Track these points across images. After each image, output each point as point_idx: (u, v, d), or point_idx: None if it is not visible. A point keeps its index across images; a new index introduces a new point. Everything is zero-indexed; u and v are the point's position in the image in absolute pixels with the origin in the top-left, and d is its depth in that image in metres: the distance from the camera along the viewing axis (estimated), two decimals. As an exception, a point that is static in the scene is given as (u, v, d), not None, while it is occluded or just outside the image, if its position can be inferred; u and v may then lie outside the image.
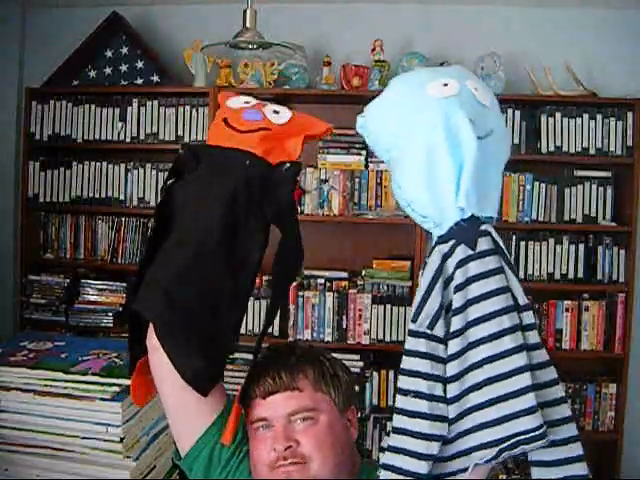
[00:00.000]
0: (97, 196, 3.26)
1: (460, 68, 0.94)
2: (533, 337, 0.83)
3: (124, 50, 3.22)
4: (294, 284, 3.07)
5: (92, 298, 3.23)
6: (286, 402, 1.08)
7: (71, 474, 1.26)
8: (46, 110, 3.25)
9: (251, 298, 3.01)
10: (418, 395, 0.82)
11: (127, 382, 1.25)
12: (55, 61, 3.21)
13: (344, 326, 3.07)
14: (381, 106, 0.92)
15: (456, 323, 0.81)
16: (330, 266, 3.18)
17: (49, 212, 3.33)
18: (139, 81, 3.21)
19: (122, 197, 3.24)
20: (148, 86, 3.20)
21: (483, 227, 0.85)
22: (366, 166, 3.08)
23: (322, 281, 3.12)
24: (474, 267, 0.82)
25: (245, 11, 2.10)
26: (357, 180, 3.08)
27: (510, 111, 3.03)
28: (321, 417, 1.08)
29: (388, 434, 0.86)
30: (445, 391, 0.82)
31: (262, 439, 1.08)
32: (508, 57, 3.03)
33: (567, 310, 3.05)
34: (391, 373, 3.04)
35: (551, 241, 3.06)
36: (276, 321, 3.04)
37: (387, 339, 3.05)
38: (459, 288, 0.81)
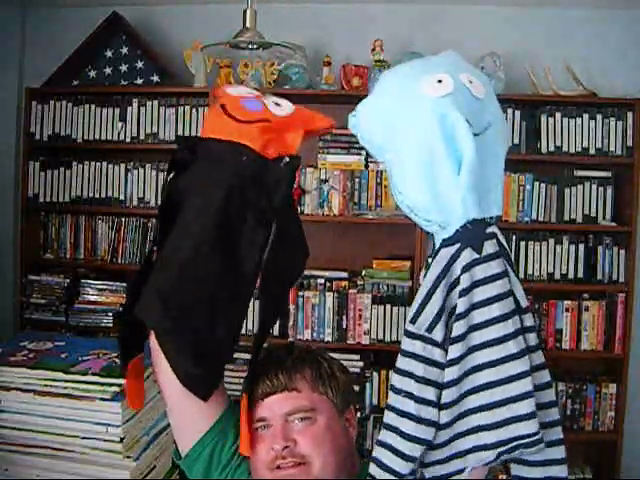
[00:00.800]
0: (97, 196, 3.26)
1: (454, 57, 0.91)
2: (533, 339, 0.83)
3: (124, 50, 3.22)
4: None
5: (92, 298, 3.23)
6: (284, 402, 1.08)
7: (71, 474, 1.27)
8: (46, 110, 3.25)
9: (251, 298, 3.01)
10: (408, 396, 0.81)
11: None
12: (55, 61, 3.20)
13: (344, 326, 3.07)
14: (373, 105, 0.89)
15: (458, 328, 0.80)
16: (330, 266, 3.18)
17: (49, 212, 3.33)
18: (139, 81, 3.21)
19: (122, 197, 3.24)
20: (148, 86, 3.20)
21: (489, 230, 0.83)
22: (366, 166, 3.08)
23: (322, 281, 3.12)
24: (480, 271, 0.81)
25: (245, 11, 2.10)
26: (357, 180, 3.08)
27: (510, 111, 3.03)
28: (319, 417, 1.08)
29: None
30: (438, 396, 0.81)
31: (261, 439, 1.07)
32: (508, 57, 3.03)
33: (567, 310, 3.05)
34: (391, 373, 3.03)
35: (551, 241, 3.06)
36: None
37: (387, 339, 3.05)
38: (464, 293, 0.80)
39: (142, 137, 3.19)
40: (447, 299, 0.81)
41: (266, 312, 1.07)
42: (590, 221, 3.04)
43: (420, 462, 0.83)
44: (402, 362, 0.83)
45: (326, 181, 3.10)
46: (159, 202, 1.08)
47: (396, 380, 0.84)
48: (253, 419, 1.08)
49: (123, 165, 3.25)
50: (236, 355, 2.99)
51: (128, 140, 3.20)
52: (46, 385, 1.28)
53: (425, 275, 0.85)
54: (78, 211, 3.30)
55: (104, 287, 3.22)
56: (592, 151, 3.02)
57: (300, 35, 3.09)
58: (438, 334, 0.81)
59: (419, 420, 0.80)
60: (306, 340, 3.06)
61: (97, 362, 1.33)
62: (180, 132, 3.16)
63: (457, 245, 0.82)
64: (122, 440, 1.25)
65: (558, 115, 3.02)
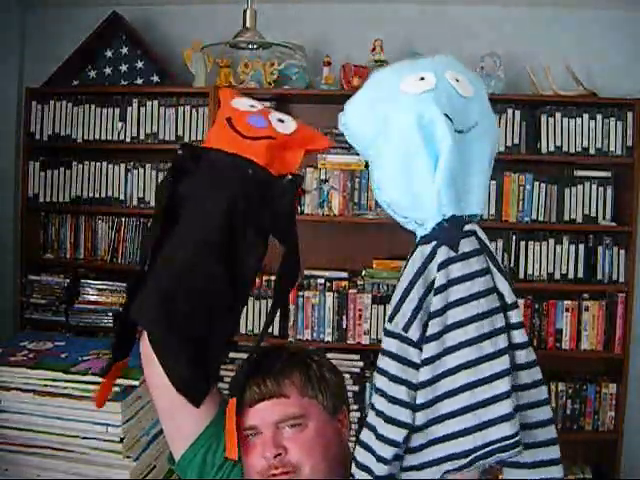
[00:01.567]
0: (97, 196, 3.26)
1: (443, 58, 0.90)
2: (519, 336, 0.81)
3: (124, 50, 3.22)
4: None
5: (92, 298, 3.23)
6: (273, 409, 1.07)
7: (71, 474, 1.27)
8: (46, 110, 3.25)
9: (251, 298, 3.01)
10: (383, 394, 0.81)
11: (127, 382, 1.25)
12: (55, 61, 3.21)
13: (344, 326, 3.07)
14: (358, 103, 0.89)
15: (433, 327, 0.79)
16: (330, 266, 3.18)
17: (49, 212, 3.33)
18: (139, 81, 3.21)
19: (122, 197, 3.24)
20: (148, 86, 3.21)
21: (467, 227, 0.82)
22: (366, 166, 3.07)
23: (322, 281, 3.12)
24: (456, 269, 0.80)
25: (245, 11, 2.11)
26: (357, 180, 3.09)
27: (510, 111, 3.03)
28: (309, 423, 1.07)
29: None
30: (411, 397, 0.79)
31: (252, 447, 1.07)
32: (508, 57, 3.04)
33: (567, 310, 3.05)
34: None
35: (551, 241, 3.06)
36: (276, 320, 3.05)
37: (387, 339, 3.04)
38: (439, 291, 0.79)
39: (142, 137, 3.19)
40: (424, 298, 0.80)
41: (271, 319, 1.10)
42: (590, 221, 3.04)
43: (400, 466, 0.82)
44: (380, 360, 0.83)
45: (326, 181, 3.10)
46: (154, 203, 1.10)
47: (376, 377, 0.83)
48: (242, 426, 1.07)
49: (123, 165, 3.25)
50: (236, 355, 2.99)
51: (128, 140, 3.20)
52: (46, 385, 1.28)
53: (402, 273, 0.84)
54: (78, 211, 3.30)
55: (104, 287, 3.22)
56: (592, 151, 3.02)
57: (300, 35, 3.09)
58: (414, 333, 0.79)
59: (389, 420, 0.79)
60: (306, 340, 3.06)
61: (97, 362, 1.33)
62: (180, 132, 3.16)
63: (433, 243, 0.81)
64: (122, 440, 1.25)
65: (558, 115, 3.02)
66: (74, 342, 1.51)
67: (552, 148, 3.02)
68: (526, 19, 3.15)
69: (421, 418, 0.79)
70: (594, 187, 3.04)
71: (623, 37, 3.11)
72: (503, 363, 0.77)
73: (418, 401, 0.79)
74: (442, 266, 0.80)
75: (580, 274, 3.05)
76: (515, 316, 0.81)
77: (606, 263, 3.04)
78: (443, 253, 0.80)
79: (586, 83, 3.01)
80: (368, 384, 3.05)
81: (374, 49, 3.03)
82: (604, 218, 3.04)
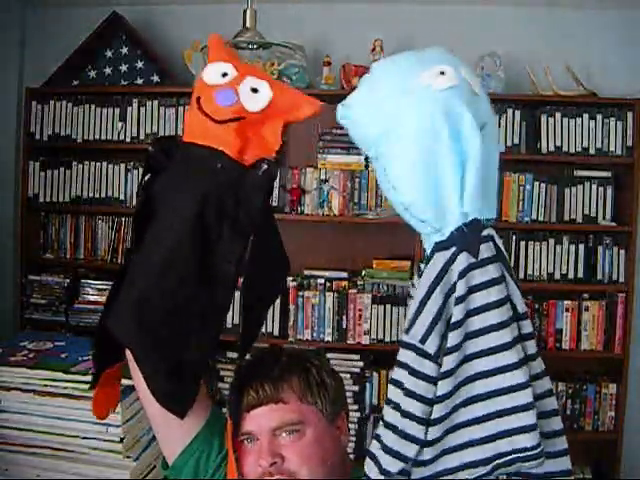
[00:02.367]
0: (97, 196, 3.26)
1: (445, 53, 0.85)
2: (531, 347, 0.78)
3: (124, 50, 3.22)
4: (294, 284, 3.08)
5: (92, 298, 3.23)
6: (270, 415, 1.05)
7: (71, 474, 1.27)
8: (46, 110, 3.25)
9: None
10: (395, 407, 0.77)
11: (127, 382, 1.25)
12: (55, 61, 3.21)
13: (344, 326, 3.07)
14: (368, 96, 0.82)
15: (454, 338, 0.75)
16: (330, 266, 3.18)
17: (49, 212, 3.33)
18: (139, 81, 3.21)
19: (122, 197, 3.24)
20: (148, 86, 3.21)
21: (485, 232, 0.78)
22: (366, 166, 3.07)
23: (322, 281, 3.11)
24: (476, 277, 0.76)
25: (245, 11, 2.11)
26: (357, 180, 3.08)
27: (510, 111, 3.03)
28: (307, 430, 1.05)
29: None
30: (424, 412, 0.75)
31: (248, 453, 1.05)
32: (508, 57, 3.03)
33: (567, 310, 3.04)
34: (391, 373, 3.03)
35: (551, 241, 3.05)
36: (276, 321, 3.06)
37: (387, 339, 3.05)
38: (460, 300, 0.75)
39: (142, 137, 3.19)
40: (443, 308, 0.76)
41: (246, 329, 1.01)
42: (590, 221, 3.04)
43: None
44: (395, 372, 0.80)
45: (326, 181, 3.10)
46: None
47: (389, 389, 0.80)
48: (239, 431, 1.05)
49: (123, 165, 3.25)
50: (235, 355, 2.99)
51: (128, 140, 3.20)
52: (46, 385, 1.28)
53: (418, 282, 0.80)
54: (78, 211, 3.30)
55: (104, 287, 3.22)
56: (592, 151, 3.02)
57: (300, 35, 3.09)
58: (431, 346, 0.75)
59: (403, 435, 0.76)
60: (306, 340, 3.06)
61: (97, 362, 1.33)
62: (180, 132, 3.16)
63: (452, 249, 0.77)
64: (122, 440, 1.26)
65: (558, 115, 3.02)
66: (74, 342, 1.51)
67: (552, 148, 3.02)
68: (526, 19, 3.15)
69: (435, 432, 0.76)
70: (594, 187, 3.04)
71: (623, 37, 3.10)
72: (525, 373, 0.75)
73: (434, 415, 0.75)
74: (463, 274, 0.75)
75: (580, 274, 3.05)
76: (527, 326, 0.79)
77: (606, 263, 3.04)
78: (464, 260, 0.76)
79: (586, 83, 3.01)
80: (368, 384, 3.05)
81: (374, 49, 3.03)
82: (604, 218, 3.04)
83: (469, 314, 0.75)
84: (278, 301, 3.03)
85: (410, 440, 0.76)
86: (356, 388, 3.02)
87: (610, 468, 3.02)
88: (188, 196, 0.92)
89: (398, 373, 0.79)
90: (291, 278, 3.09)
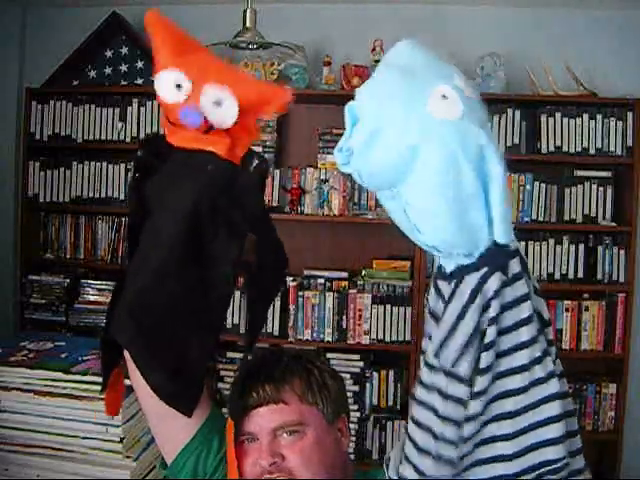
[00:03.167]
0: (97, 196, 3.26)
1: (431, 63, 0.76)
2: (552, 352, 0.77)
3: (124, 50, 3.22)
4: (294, 284, 3.08)
5: (92, 298, 3.23)
6: (271, 416, 1.04)
7: (71, 474, 1.27)
8: (46, 110, 3.25)
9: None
10: (429, 431, 0.75)
11: (127, 382, 1.25)
12: (55, 61, 3.21)
13: (344, 326, 3.07)
14: (371, 139, 0.74)
15: (487, 358, 0.73)
16: (330, 266, 3.19)
17: (49, 212, 3.33)
18: (139, 81, 3.22)
19: (122, 197, 3.24)
20: (148, 86, 3.20)
21: (512, 246, 0.75)
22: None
23: (322, 281, 3.11)
24: (507, 295, 0.73)
25: (245, 11, 2.11)
26: (357, 180, 3.08)
27: (510, 111, 3.03)
28: (308, 431, 1.05)
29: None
30: (457, 435, 0.74)
31: (248, 452, 1.05)
32: (508, 57, 3.03)
33: (567, 310, 3.05)
34: (391, 373, 3.04)
35: (551, 241, 3.06)
36: (276, 320, 3.06)
37: (387, 339, 3.05)
38: (494, 321, 0.72)
39: (142, 137, 3.19)
40: (476, 330, 0.73)
41: (251, 325, 1.02)
42: (590, 221, 3.04)
43: None
44: (421, 392, 0.76)
45: (326, 181, 3.10)
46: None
47: (417, 412, 0.76)
48: (239, 431, 1.05)
49: (123, 165, 3.25)
50: (235, 355, 3.00)
51: (128, 140, 3.21)
52: (46, 385, 1.28)
53: (447, 303, 0.76)
54: (78, 211, 3.30)
55: (104, 287, 3.22)
56: (592, 151, 3.02)
57: (300, 35, 3.09)
58: (463, 369, 0.73)
59: (439, 458, 0.74)
60: (306, 340, 3.06)
61: (97, 362, 1.32)
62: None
63: (484, 270, 0.73)
64: (122, 440, 1.25)
65: (558, 115, 3.02)
66: (74, 342, 1.51)
67: (552, 148, 3.02)
68: (526, 19, 3.15)
69: (465, 449, 0.75)
70: (594, 187, 3.04)
71: (623, 37, 3.11)
72: (553, 385, 0.74)
73: (465, 434, 0.74)
74: (497, 294, 0.73)
75: (580, 274, 3.05)
76: (550, 332, 0.78)
77: (606, 263, 3.04)
78: (496, 280, 0.73)
79: (586, 83, 3.01)
80: (368, 384, 3.05)
81: (374, 49, 3.03)
82: (604, 218, 3.04)
83: (500, 333, 0.74)
84: (278, 301, 3.04)
85: (447, 463, 0.74)
86: (356, 388, 3.02)
87: (610, 468, 3.02)
88: (182, 199, 0.90)
89: (428, 396, 0.75)
90: (291, 278, 3.09)
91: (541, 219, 3.05)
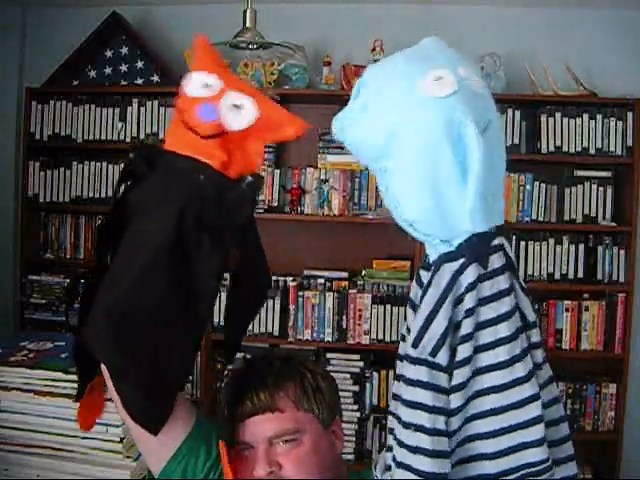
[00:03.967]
0: (97, 196, 3.26)
1: (441, 50, 0.79)
2: (539, 356, 0.76)
3: (124, 50, 3.22)
4: (294, 284, 3.08)
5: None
6: (266, 425, 1.03)
7: (71, 474, 1.26)
8: (46, 110, 3.25)
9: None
10: (420, 429, 0.73)
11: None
12: (55, 61, 3.21)
13: (344, 326, 3.07)
14: (362, 109, 0.77)
15: (464, 351, 0.73)
16: (330, 266, 3.19)
17: (49, 212, 3.33)
18: (139, 81, 3.21)
19: (122, 197, 3.24)
20: (148, 86, 3.20)
21: (496, 241, 0.75)
22: (366, 167, 3.07)
23: (322, 281, 3.11)
24: (486, 288, 0.73)
25: (245, 11, 2.11)
26: (357, 180, 3.08)
27: (510, 111, 3.03)
28: (304, 438, 1.04)
29: (390, 449, 0.78)
30: (447, 424, 0.74)
31: (244, 461, 1.03)
32: (508, 57, 3.03)
33: (567, 310, 3.05)
34: (391, 373, 3.04)
35: (551, 241, 3.06)
36: (276, 320, 3.06)
37: (387, 339, 3.05)
38: (469, 313, 0.73)
39: (142, 137, 3.19)
40: (452, 320, 0.73)
41: (229, 338, 1.00)
42: (590, 221, 3.04)
43: None
44: (408, 392, 0.74)
45: (326, 181, 3.10)
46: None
47: (405, 413, 0.75)
48: (234, 441, 1.04)
49: (123, 165, 3.24)
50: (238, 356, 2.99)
51: (128, 140, 3.20)
52: (46, 385, 1.28)
53: (423, 292, 0.76)
54: (78, 211, 3.30)
55: (104, 287, 3.22)
56: (592, 151, 3.02)
57: (300, 35, 3.09)
58: (443, 358, 0.73)
59: (435, 454, 0.73)
60: (306, 340, 3.06)
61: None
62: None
63: (461, 260, 0.73)
64: (122, 440, 1.25)
65: (558, 115, 3.02)
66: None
67: (552, 148, 3.02)
68: (526, 19, 3.15)
69: (451, 444, 0.74)
70: (594, 187, 3.04)
71: (623, 37, 3.11)
72: (533, 386, 0.73)
73: (449, 428, 0.74)
74: (472, 286, 0.73)
75: (580, 274, 3.05)
76: (535, 335, 0.76)
77: (606, 263, 3.04)
78: (473, 272, 0.73)
79: (586, 83, 3.01)
80: (368, 384, 3.05)
81: (374, 49, 3.03)
82: (604, 218, 3.04)
83: (479, 327, 0.73)
84: (278, 301, 3.04)
85: (444, 456, 0.73)
86: (356, 388, 3.02)
87: (610, 468, 3.02)
88: (167, 207, 0.88)
89: (414, 393, 0.74)
90: (291, 278, 3.09)
91: (541, 219, 3.05)
